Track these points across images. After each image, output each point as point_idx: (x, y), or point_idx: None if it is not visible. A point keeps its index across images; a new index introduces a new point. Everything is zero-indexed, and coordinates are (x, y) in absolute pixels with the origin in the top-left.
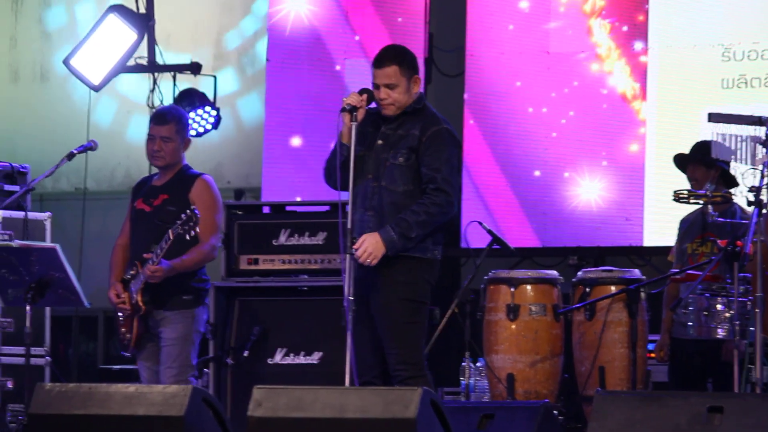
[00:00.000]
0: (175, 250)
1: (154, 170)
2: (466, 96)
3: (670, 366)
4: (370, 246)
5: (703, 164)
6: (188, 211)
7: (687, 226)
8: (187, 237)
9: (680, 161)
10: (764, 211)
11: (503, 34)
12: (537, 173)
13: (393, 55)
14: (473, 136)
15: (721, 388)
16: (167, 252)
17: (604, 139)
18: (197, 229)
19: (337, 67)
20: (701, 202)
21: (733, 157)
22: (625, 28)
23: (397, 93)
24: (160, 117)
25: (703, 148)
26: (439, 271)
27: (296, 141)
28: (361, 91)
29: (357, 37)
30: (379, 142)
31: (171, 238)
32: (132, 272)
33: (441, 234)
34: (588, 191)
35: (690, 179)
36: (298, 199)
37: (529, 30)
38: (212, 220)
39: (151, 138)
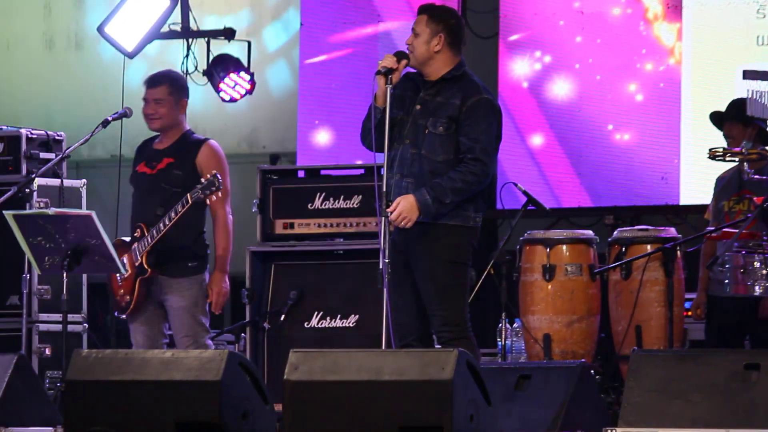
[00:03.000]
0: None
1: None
2: (501, 56)
3: (707, 324)
4: (405, 209)
5: (740, 122)
6: (209, 175)
7: (723, 184)
8: (207, 201)
9: (717, 119)
10: None
11: None
12: (573, 133)
13: (429, 6)
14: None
15: (759, 345)
16: (181, 216)
17: (640, 98)
18: (219, 194)
19: (372, 30)
20: (737, 159)
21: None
22: None
23: (417, 41)
24: (152, 80)
25: (739, 105)
26: (478, 236)
27: (332, 105)
28: (397, 54)
29: (392, 1)
30: (418, 107)
31: (189, 201)
32: (136, 234)
33: (482, 202)
34: (624, 150)
35: (726, 137)
36: (333, 163)
37: None
38: (224, 186)
39: (145, 101)
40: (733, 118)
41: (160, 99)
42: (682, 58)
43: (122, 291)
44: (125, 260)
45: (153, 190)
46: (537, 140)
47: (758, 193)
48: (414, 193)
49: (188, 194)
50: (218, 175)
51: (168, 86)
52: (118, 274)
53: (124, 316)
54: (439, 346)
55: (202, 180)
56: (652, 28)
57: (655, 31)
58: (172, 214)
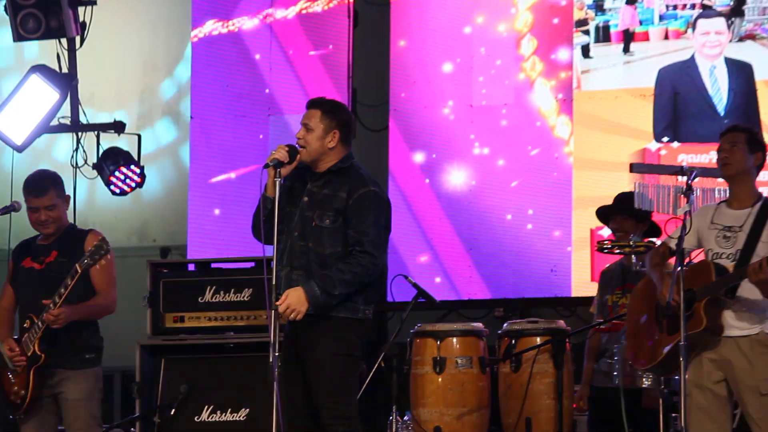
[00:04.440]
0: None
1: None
2: (397, 148)
3: (589, 416)
4: (293, 302)
5: (628, 215)
6: (96, 242)
7: (607, 278)
8: (98, 266)
9: (603, 214)
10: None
11: (427, 88)
12: (468, 223)
13: (321, 101)
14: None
15: None
16: (71, 291)
17: (530, 190)
18: (108, 258)
19: (261, 124)
20: (625, 252)
21: (653, 207)
22: (553, 82)
23: (311, 136)
24: (36, 188)
25: (625, 199)
26: (370, 328)
27: (221, 198)
28: (289, 148)
29: (283, 93)
30: (305, 199)
31: (79, 271)
32: (26, 325)
33: (373, 293)
34: (518, 240)
35: (615, 230)
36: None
37: (454, 83)
38: (111, 273)
39: (34, 210)
40: (620, 212)
41: (52, 205)
42: (574, 149)
43: (16, 387)
44: (19, 351)
45: (41, 283)
46: (434, 230)
47: None
48: (303, 286)
49: (77, 264)
50: (105, 239)
51: (54, 190)
52: (9, 373)
53: (18, 417)
54: None
55: (90, 248)
56: (546, 120)
57: (550, 122)
58: (62, 290)
